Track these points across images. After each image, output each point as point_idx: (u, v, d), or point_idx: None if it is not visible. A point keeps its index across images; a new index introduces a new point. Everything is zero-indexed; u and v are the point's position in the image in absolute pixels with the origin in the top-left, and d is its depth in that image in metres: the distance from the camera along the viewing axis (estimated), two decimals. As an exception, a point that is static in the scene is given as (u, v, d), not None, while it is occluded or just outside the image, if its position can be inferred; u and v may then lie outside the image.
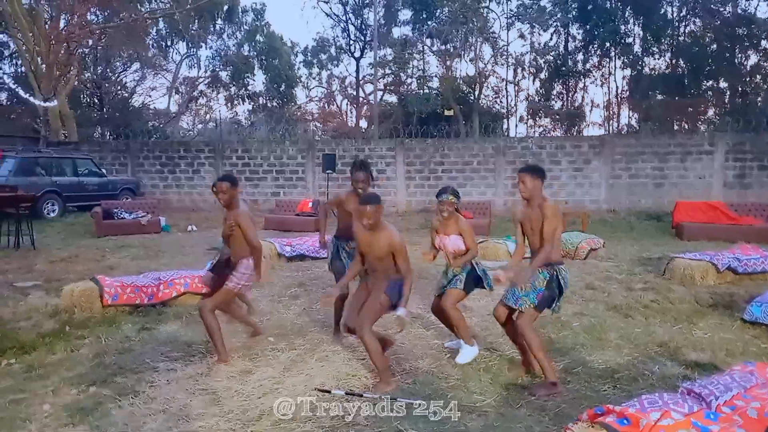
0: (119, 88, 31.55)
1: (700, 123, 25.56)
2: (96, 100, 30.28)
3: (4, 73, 27.25)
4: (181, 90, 33.42)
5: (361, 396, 3.63)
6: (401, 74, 27.99)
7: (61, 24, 20.27)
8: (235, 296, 4.62)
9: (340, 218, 4.94)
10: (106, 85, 29.99)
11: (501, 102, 30.41)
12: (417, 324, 5.23)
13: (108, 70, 30.04)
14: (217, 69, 32.79)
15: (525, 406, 3.47)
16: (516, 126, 30.96)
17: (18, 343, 4.79)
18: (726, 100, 25.89)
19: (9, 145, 17.74)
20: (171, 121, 32.07)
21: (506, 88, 29.67)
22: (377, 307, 3.79)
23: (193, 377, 4.07)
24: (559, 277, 3.72)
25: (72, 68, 21.28)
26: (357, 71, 31.22)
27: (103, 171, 16.61)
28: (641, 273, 7.59)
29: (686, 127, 25.08)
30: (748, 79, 25.13)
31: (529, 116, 30.50)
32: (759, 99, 24.11)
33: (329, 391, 3.73)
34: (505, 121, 29.56)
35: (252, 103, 34.39)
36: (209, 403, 3.63)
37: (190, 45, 31.15)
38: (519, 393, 3.67)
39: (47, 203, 14.50)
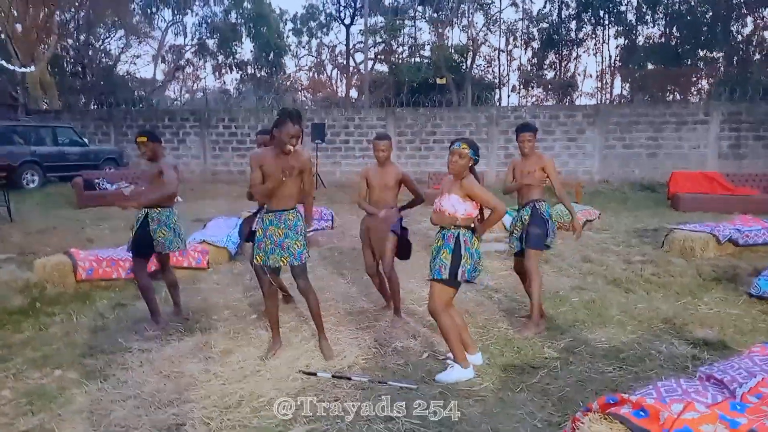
0: (103, 55, 30.57)
1: (694, 93, 25.25)
2: (79, 68, 29.33)
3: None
4: (167, 58, 32.49)
5: (349, 379, 3.38)
6: (392, 43, 27.32)
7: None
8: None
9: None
10: (90, 52, 29.02)
11: (493, 72, 29.88)
12: (408, 300, 4.97)
13: (91, 36, 29.02)
14: (204, 37, 31.84)
15: (525, 390, 3.21)
16: (508, 96, 30.53)
17: (-19, 319, 4.49)
18: (721, 70, 25.51)
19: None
20: (157, 90, 31.24)
21: (498, 58, 29.12)
22: (391, 249, 4.33)
23: (168, 359, 3.79)
24: (540, 211, 4.24)
25: (52, 34, 20.46)
26: (347, 39, 30.44)
27: (85, 140, 16.05)
28: (638, 245, 7.36)
29: (679, 97, 24.76)
30: (743, 48, 24.75)
31: (521, 86, 30.03)
32: (753, 68, 23.76)
33: (315, 374, 3.47)
34: (497, 91, 29.08)
35: (240, 72, 33.57)
36: (185, 387, 3.36)
37: (175, 12, 30.16)
38: (518, 375, 3.41)
39: (26, 173, 14.02)
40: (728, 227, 6.58)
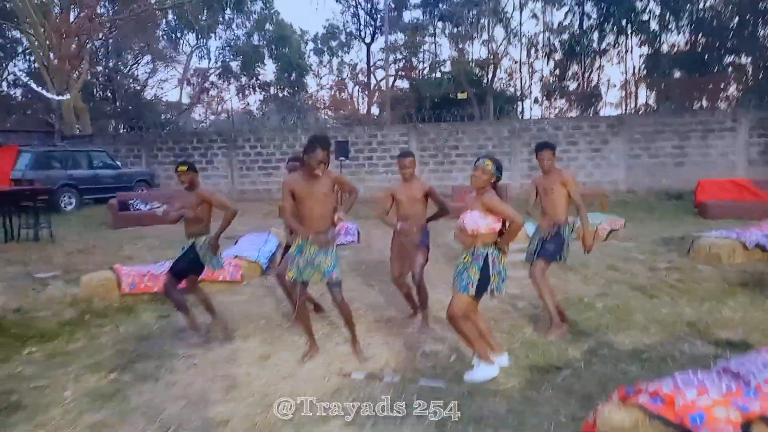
0: (131, 80, 31.68)
1: (721, 100, 24.93)
2: (108, 94, 30.46)
3: (18, 70, 27.53)
4: (192, 81, 33.47)
5: (381, 379, 3.57)
6: (413, 59, 27.72)
7: (71, 17, 20.31)
8: None
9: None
10: (118, 78, 30.12)
11: (515, 84, 30.02)
12: (436, 308, 5.15)
13: (119, 63, 30.15)
14: (228, 59, 32.77)
15: (550, 389, 3.37)
16: (531, 108, 30.58)
17: (39, 331, 4.81)
18: (748, 76, 25.18)
19: (24, 139, 17.92)
20: (183, 113, 32.17)
21: (520, 70, 29.27)
22: (421, 259, 4.58)
23: (212, 363, 4.04)
24: (562, 234, 4.48)
25: (83, 62, 21.37)
26: (368, 57, 31.00)
27: (118, 163, 16.68)
28: (664, 253, 7.41)
29: (707, 105, 24.48)
30: (770, 54, 24.40)
31: (544, 98, 30.09)
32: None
33: (349, 375, 3.68)
34: (519, 103, 29.18)
35: (263, 93, 34.36)
36: (228, 388, 3.60)
37: (199, 36, 31.12)
38: (543, 375, 3.57)
39: (64, 196, 14.62)
40: (756, 233, 6.57)
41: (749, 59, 24.73)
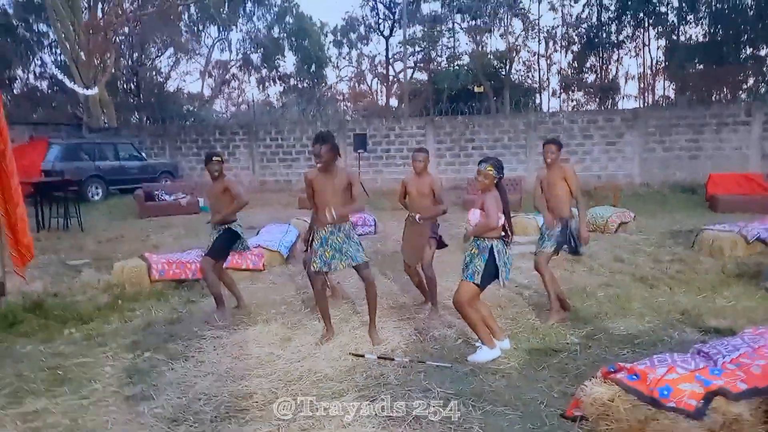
0: (154, 73, 32.32)
1: (740, 92, 24.62)
2: (132, 86, 31.13)
3: (45, 63, 28.28)
4: (213, 74, 34.00)
5: (392, 360, 3.90)
6: (431, 52, 27.81)
7: (99, 13, 20.87)
8: None
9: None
10: (142, 71, 30.76)
11: (533, 77, 29.96)
12: (445, 295, 5.46)
13: (143, 56, 30.77)
14: (249, 52, 33.21)
15: (547, 369, 3.68)
16: (549, 100, 30.50)
17: (77, 314, 5.22)
18: (765, 69, 24.83)
19: (53, 132, 18.56)
20: (205, 104, 32.73)
21: (538, 62, 29.20)
22: (430, 251, 4.92)
23: (237, 344, 4.40)
24: (570, 227, 4.72)
25: (110, 56, 21.95)
26: (387, 50, 31.17)
27: (143, 155, 17.22)
28: (671, 246, 7.61)
29: (727, 97, 24.21)
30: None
31: (561, 90, 29.99)
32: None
33: (363, 356, 4.01)
34: (537, 95, 29.13)
35: (283, 85, 34.77)
36: (253, 366, 3.95)
37: (221, 29, 31.60)
38: (541, 357, 3.88)
39: (91, 187, 15.19)
40: (757, 227, 6.77)
41: (767, 52, 24.36)
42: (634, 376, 2.52)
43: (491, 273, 3.81)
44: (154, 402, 3.44)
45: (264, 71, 34.00)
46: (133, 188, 13.82)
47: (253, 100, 30.44)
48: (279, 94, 35.50)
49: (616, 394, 2.53)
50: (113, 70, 24.29)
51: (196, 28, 31.85)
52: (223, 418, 3.20)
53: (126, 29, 24.17)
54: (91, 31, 19.74)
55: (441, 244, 5.10)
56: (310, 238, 4.56)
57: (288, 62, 34.47)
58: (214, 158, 5.07)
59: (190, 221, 11.64)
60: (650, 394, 2.40)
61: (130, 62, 30.19)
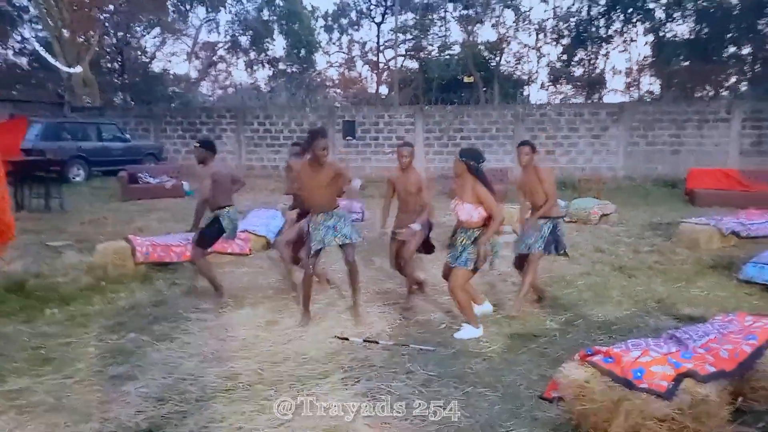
0: (140, 53, 31.76)
1: (722, 90, 25.00)
2: (117, 65, 30.57)
3: (23, 38, 27.64)
4: (200, 55, 33.53)
5: (377, 343, 3.98)
6: (422, 40, 27.74)
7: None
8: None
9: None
10: (127, 50, 30.21)
11: (522, 68, 30.04)
12: (431, 282, 5.55)
13: (128, 35, 30.21)
14: (237, 34, 32.76)
15: (527, 353, 3.79)
16: (538, 92, 30.63)
17: (59, 294, 5.19)
18: (745, 68, 25.21)
19: (34, 110, 18.20)
20: (191, 86, 32.31)
21: (528, 54, 29.28)
22: (414, 244, 4.73)
23: (223, 327, 4.44)
24: (558, 228, 4.66)
25: (94, 33, 21.55)
26: (378, 36, 30.98)
27: (128, 136, 16.98)
28: (650, 237, 7.80)
29: (709, 94, 24.56)
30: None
31: (550, 83, 30.13)
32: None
33: (347, 339, 4.08)
34: (525, 87, 29.25)
35: (272, 69, 34.39)
36: (239, 348, 4.00)
37: (209, 9, 31.10)
38: (522, 341, 3.99)
39: (73, 167, 14.94)
40: (732, 221, 7.04)
41: (750, 50, 24.71)
42: (610, 359, 2.62)
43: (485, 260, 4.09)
44: (139, 382, 3.46)
45: (252, 54, 33.59)
46: (116, 170, 13.64)
47: (241, 84, 30.14)
48: (268, 78, 35.15)
49: (592, 375, 2.63)
50: (97, 49, 23.84)
51: (183, 8, 31.31)
52: (208, 397, 3.24)
53: (111, 6, 23.70)
54: (74, 8, 19.34)
55: (428, 246, 4.99)
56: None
57: (278, 46, 34.11)
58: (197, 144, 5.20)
59: (174, 205, 11.57)
60: (624, 376, 2.50)
61: (114, 41, 29.63)
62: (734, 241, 6.91)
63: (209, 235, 5.17)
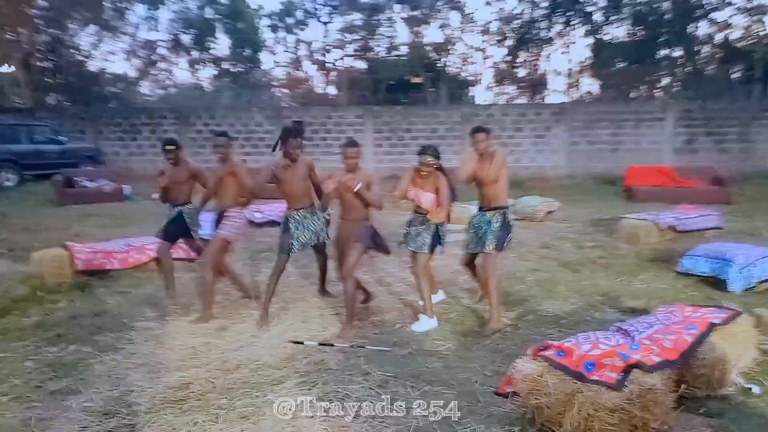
0: (75, 52, 30.29)
1: (656, 91, 26.27)
2: (50, 64, 29.04)
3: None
4: (140, 54, 32.31)
5: (333, 345, 3.94)
6: (370, 40, 27.74)
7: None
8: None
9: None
10: (61, 48, 28.76)
11: (468, 69, 30.54)
12: (385, 281, 5.56)
13: (61, 32, 28.74)
14: (179, 32, 31.76)
15: (480, 350, 3.85)
16: (483, 92, 31.21)
17: (-10, 307, 4.87)
18: (678, 69, 26.60)
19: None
20: (130, 86, 31.10)
21: (473, 56, 29.78)
22: (356, 255, 4.31)
23: (170, 335, 4.28)
24: (507, 218, 4.50)
25: (24, 30, 20.41)
26: (325, 37, 30.74)
27: (63, 139, 16.16)
28: (593, 233, 8.11)
29: (645, 95, 25.74)
30: (698, 49, 25.81)
31: (495, 83, 30.77)
32: (707, 69, 24.90)
33: (302, 343, 4.01)
34: (471, 88, 29.76)
35: (216, 68, 33.54)
36: (189, 356, 3.86)
37: (149, 6, 30.04)
38: (475, 339, 4.05)
39: (2, 171, 14.11)
40: (668, 216, 7.41)
41: (681, 53, 26.09)
42: (562, 353, 2.69)
43: (437, 242, 4.46)
44: (83, 396, 3.29)
45: (195, 53, 32.66)
46: (50, 174, 12.97)
47: (181, 84, 29.24)
48: (212, 78, 34.25)
49: (545, 370, 2.69)
50: (27, 47, 22.57)
51: (120, 4, 30.07)
52: (158, 409, 3.11)
53: (43, 2, 22.50)
54: (1, 2, 18.26)
55: (383, 248, 4.50)
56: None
57: (222, 45, 33.22)
58: (167, 146, 5.35)
59: (114, 210, 11.12)
60: (576, 369, 2.57)
61: (47, 39, 28.13)
62: (671, 236, 7.27)
63: (175, 229, 5.26)
